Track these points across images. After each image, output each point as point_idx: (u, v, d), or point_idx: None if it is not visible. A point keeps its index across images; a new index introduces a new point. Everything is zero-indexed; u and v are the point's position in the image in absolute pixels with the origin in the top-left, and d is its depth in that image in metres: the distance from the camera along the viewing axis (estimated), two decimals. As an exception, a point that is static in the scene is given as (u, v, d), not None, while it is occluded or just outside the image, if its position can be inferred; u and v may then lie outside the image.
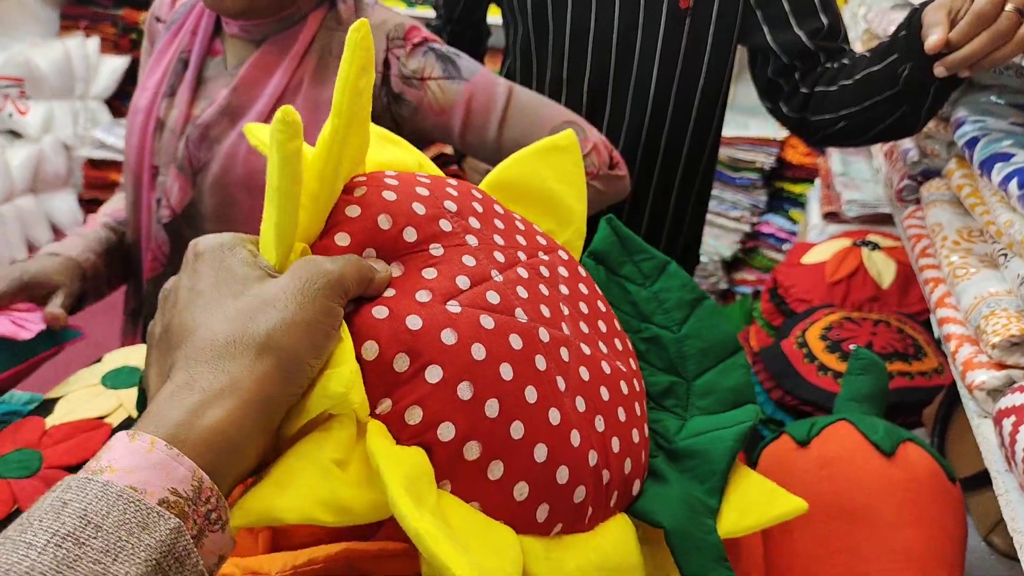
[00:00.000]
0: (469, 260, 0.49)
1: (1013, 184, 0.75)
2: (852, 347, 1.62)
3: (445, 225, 0.50)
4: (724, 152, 2.82)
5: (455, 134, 1.02)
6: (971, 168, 0.95)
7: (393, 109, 1.02)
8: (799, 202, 2.87)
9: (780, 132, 2.80)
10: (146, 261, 1.03)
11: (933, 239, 0.94)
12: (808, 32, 1.15)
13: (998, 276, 0.80)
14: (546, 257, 0.55)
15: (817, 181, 2.64)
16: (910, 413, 1.52)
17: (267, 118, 0.97)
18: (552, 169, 0.64)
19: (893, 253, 2.02)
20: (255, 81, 0.98)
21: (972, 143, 0.90)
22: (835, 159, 2.48)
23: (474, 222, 0.52)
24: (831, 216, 2.32)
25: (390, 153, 0.57)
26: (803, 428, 0.76)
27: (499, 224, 0.54)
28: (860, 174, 2.37)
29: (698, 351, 0.60)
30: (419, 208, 0.49)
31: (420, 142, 1.11)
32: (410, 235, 0.48)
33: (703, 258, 2.92)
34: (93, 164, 3.13)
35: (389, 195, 0.49)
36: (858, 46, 1.87)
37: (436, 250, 0.48)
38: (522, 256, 0.53)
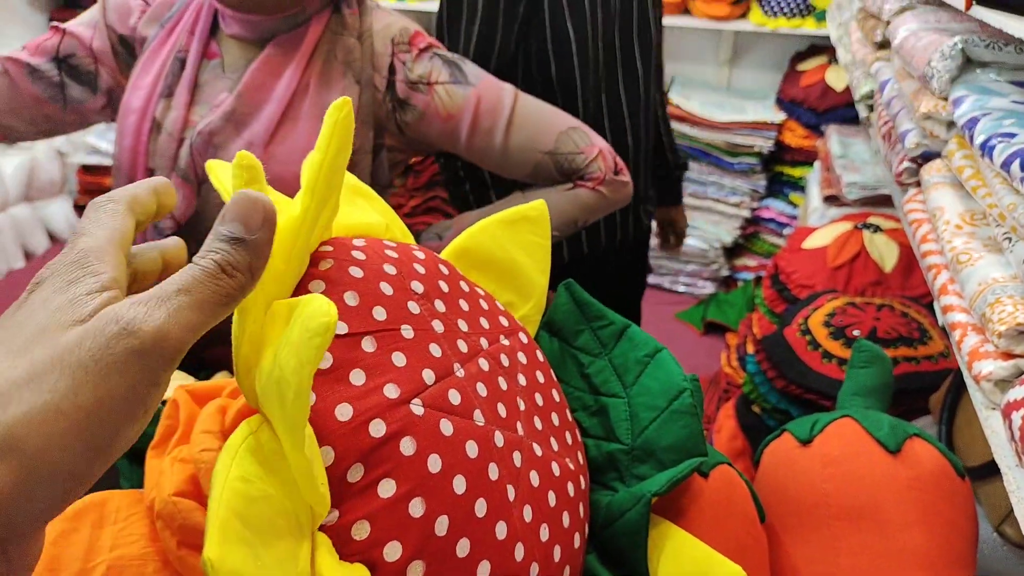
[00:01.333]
0: (435, 349, 0.48)
1: (1016, 166, 0.72)
2: (855, 333, 1.59)
3: (413, 307, 0.49)
4: (722, 137, 2.78)
5: (461, 140, 1.00)
6: (972, 149, 0.92)
7: (398, 115, 1.00)
8: (799, 185, 2.83)
9: (778, 115, 2.77)
10: None
11: (935, 223, 0.91)
12: None
13: (1002, 261, 0.77)
14: (507, 342, 0.56)
15: (816, 164, 2.60)
16: (917, 399, 1.49)
17: (277, 124, 0.95)
18: (518, 240, 0.66)
19: (895, 235, 1.99)
20: (261, 85, 0.96)
21: (972, 123, 0.87)
22: (834, 141, 2.44)
23: (440, 305, 0.52)
24: (832, 199, 2.29)
25: (358, 213, 0.56)
26: (805, 425, 0.74)
27: (463, 305, 0.54)
28: (859, 156, 2.34)
29: (642, 407, 0.59)
30: (387, 288, 0.48)
31: (424, 149, 1.08)
32: (379, 314, 0.47)
33: (703, 245, 2.89)
34: (87, 170, 3.11)
35: (356, 272, 0.48)
36: (852, 25, 1.83)
37: (407, 331, 0.47)
38: (484, 343, 0.53)
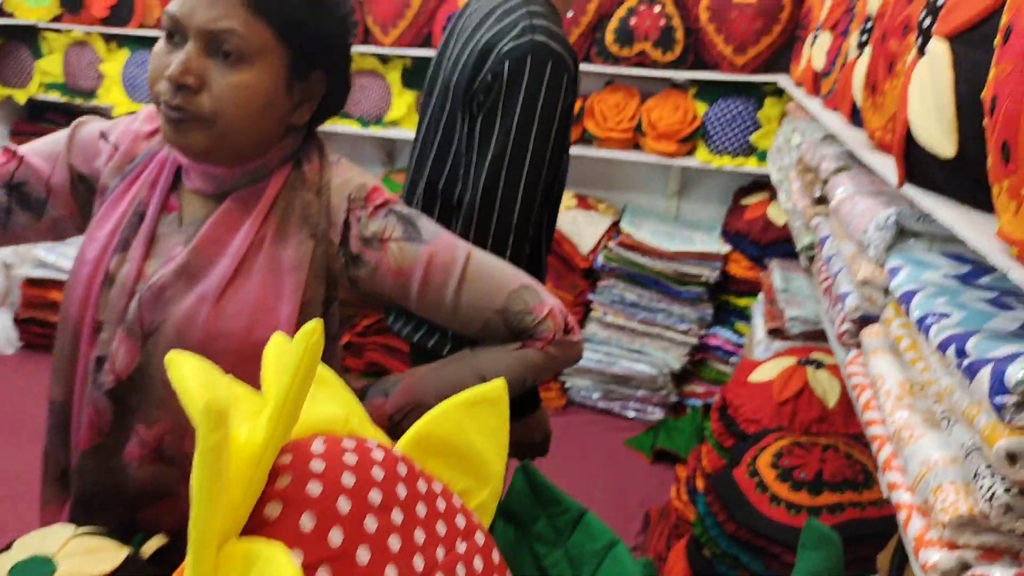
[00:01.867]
0: (391, 572, 0.47)
1: (951, 351, 0.74)
2: (802, 476, 1.59)
3: (370, 524, 0.48)
4: (670, 266, 2.85)
5: (412, 295, 0.99)
6: (906, 316, 0.94)
7: (351, 270, 0.99)
8: (745, 315, 2.89)
9: (723, 247, 2.85)
10: (81, 428, 0.95)
11: (876, 391, 0.92)
12: None
13: (943, 439, 0.77)
14: (463, 547, 0.55)
15: (760, 295, 2.67)
16: (865, 547, 1.48)
17: (229, 279, 0.93)
18: (477, 423, 0.65)
19: (837, 372, 2.03)
20: (217, 239, 0.94)
21: (908, 296, 0.90)
22: (776, 275, 2.52)
23: (397, 515, 0.51)
24: (776, 332, 2.33)
25: (318, 407, 0.55)
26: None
27: (421, 511, 0.54)
28: (800, 290, 2.41)
29: None
30: (344, 505, 0.47)
31: (377, 303, 1.06)
32: (336, 538, 0.46)
33: (653, 370, 2.90)
34: (32, 283, 3.03)
35: (314, 488, 0.47)
36: (792, 173, 1.92)
37: (363, 555, 0.46)
38: (440, 554, 0.53)
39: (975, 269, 0.95)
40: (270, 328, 0.95)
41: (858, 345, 1.08)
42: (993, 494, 0.62)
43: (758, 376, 2.10)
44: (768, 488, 1.59)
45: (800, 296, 2.36)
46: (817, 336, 2.23)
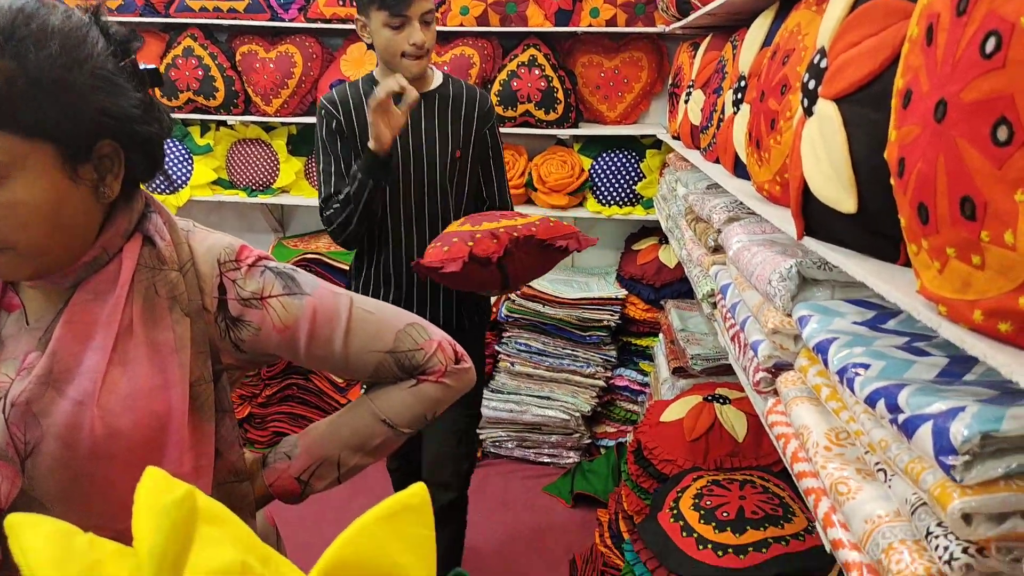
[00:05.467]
0: None
1: (881, 406, 0.71)
2: (725, 515, 1.56)
3: None
4: (572, 313, 2.83)
5: (300, 349, 0.93)
6: (821, 364, 0.92)
7: (232, 334, 0.91)
8: (646, 354, 2.90)
9: (620, 291, 2.86)
10: None
11: (804, 443, 0.89)
12: (500, 187, 2.00)
13: (882, 492, 0.75)
14: None
15: (660, 336, 2.68)
16: (793, 581, 1.45)
17: (105, 374, 0.82)
18: (399, 538, 0.56)
19: (742, 405, 2.03)
20: (76, 336, 0.82)
21: (823, 348, 0.88)
22: (673, 316, 2.54)
23: None
24: (679, 371, 2.33)
25: (206, 554, 0.45)
26: None
27: None
28: (698, 328, 2.43)
29: None
30: None
31: (263, 362, 0.98)
32: None
33: (564, 415, 2.85)
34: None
35: None
36: (682, 222, 1.94)
37: None
38: None
39: (880, 314, 0.95)
40: (163, 418, 0.84)
41: (775, 393, 1.06)
42: (951, 555, 0.59)
43: (669, 416, 2.09)
44: (694, 530, 1.55)
45: (698, 334, 2.38)
46: (720, 371, 2.24)
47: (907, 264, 0.79)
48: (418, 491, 0.59)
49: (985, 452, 0.58)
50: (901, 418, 0.67)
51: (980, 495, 0.58)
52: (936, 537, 0.62)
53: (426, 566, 0.58)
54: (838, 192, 0.82)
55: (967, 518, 0.58)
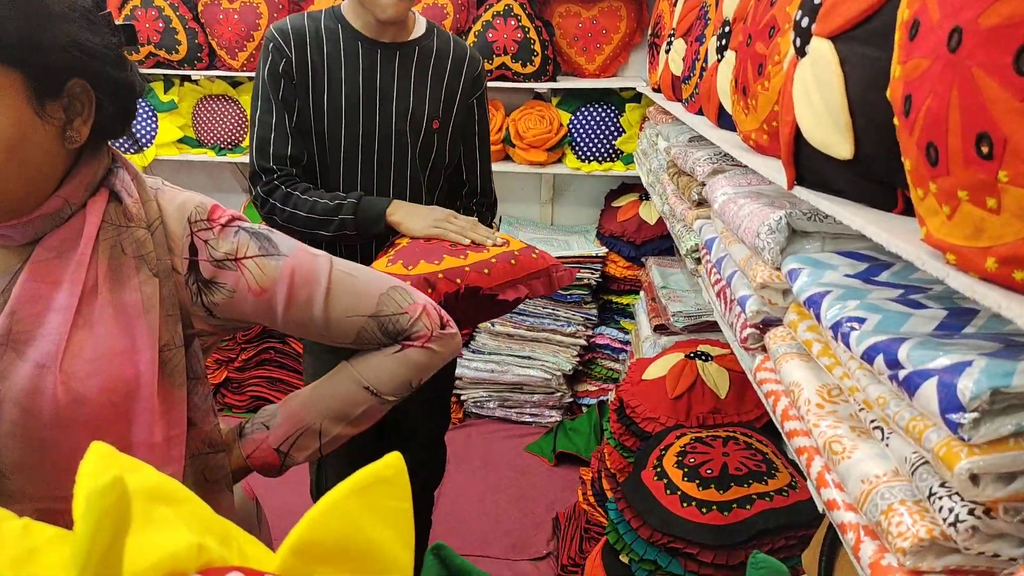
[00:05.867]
0: None
1: (880, 362, 0.67)
2: (708, 472, 1.54)
3: None
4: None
5: (278, 313, 0.88)
6: (813, 319, 0.89)
7: (205, 297, 0.86)
8: (628, 312, 2.87)
9: (600, 249, 2.82)
10: None
11: (794, 400, 0.86)
12: (483, 179, 1.66)
13: (879, 451, 0.71)
14: None
15: (641, 293, 2.65)
16: (776, 537, 1.44)
17: (68, 337, 0.77)
18: (373, 513, 0.51)
19: (725, 362, 2.01)
20: (36, 296, 0.77)
21: (815, 302, 0.84)
22: (654, 273, 2.50)
23: None
24: (661, 328, 2.31)
25: (157, 537, 0.40)
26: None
27: None
28: (679, 285, 2.39)
29: None
30: None
31: (237, 328, 0.94)
32: None
33: (545, 375, 2.83)
34: None
35: None
36: (663, 176, 1.88)
37: None
38: None
39: (873, 266, 0.91)
40: (130, 384, 0.79)
41: (763, 349, 1.02)
42: (957, 517, 0.56)
43: (651, 374, 2.06)
44: (677, 488, 1.53)
45: (680, 291, 2.34)
46: (701, 328, 2.22)
47: (905, 212, 0.75)
48: (393, 462, 0.55)
49: (994, 409, 0.55)
50: (902, 374, 0.63)
51: (989, 454, 0.54)
52: (940, 498, 0.58)
53: (403, 540, 0.54)
54: (833, 137, 0.78)
55: (974, 478, 0.55)
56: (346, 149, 1.46)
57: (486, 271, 1.28)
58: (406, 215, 1.38)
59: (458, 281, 1.25)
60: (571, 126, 2.80)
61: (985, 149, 0.49)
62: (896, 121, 0.62)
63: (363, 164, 1.48)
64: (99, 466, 0.45)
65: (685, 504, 1.50)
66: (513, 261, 1.32)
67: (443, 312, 0.98)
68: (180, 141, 2.93)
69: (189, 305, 0.85)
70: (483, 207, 1.68)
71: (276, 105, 1.41)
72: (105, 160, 0.84)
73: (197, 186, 3.43)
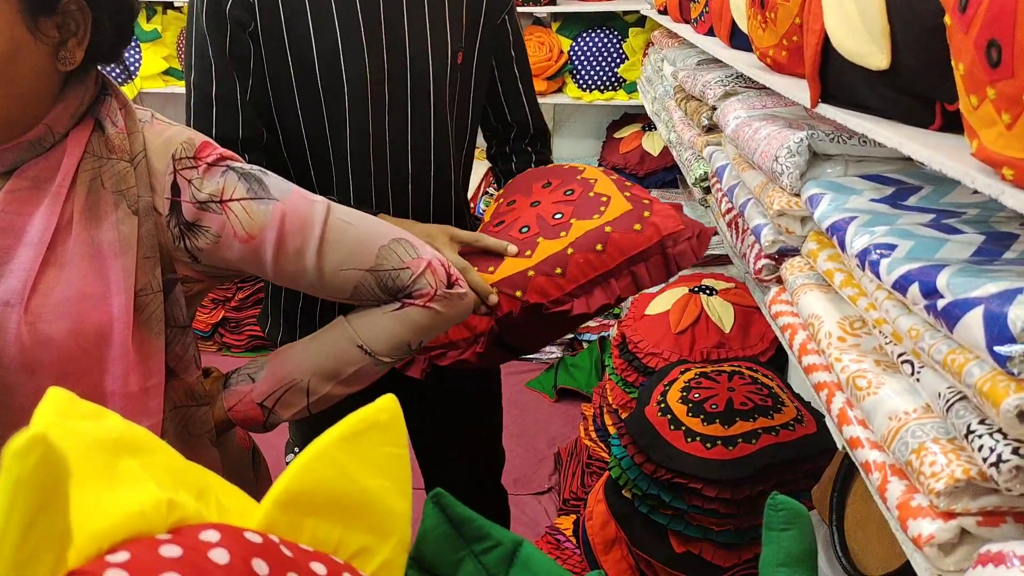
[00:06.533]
0: None
1: (915, 290, 0.62)
2: (714, 407, 1.51)
3: None
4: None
5: (267, 262, 0.82)
6: (835, 247, 0.83)
7: (188, 241, 0.80)
8: (628, 246, 2.82)
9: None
10: None
11: (814, 334, 0.81)
12: (532, 112, 1.32)
13: (908, 386, 0.67)
14: None
15: (643, 226, 2.59)
16: (783, 472, 1.42)
17: (37, 275, 0.73)
18: (367, 459, 0.47)
19: (729, 296, 1.97)
20: (7, 228, 0.73)
21: (840, 228, 0.78)
22: (658, 205, 2.43)
23: None
24: (664, 262, 2.25)
25: (119, 494, 0.35)
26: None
27: None
28: (683, 218, 2.33)
29: None
30: None
31: (226, 276, 0.88)
32: None
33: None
34: None
35: None
36: (669, 103, 1.80)
37: None
38: None
39: (900, 190, 0.85)
40: (103, 328, 0.75)
41: (778, 281, 0.97)
42: (999, 456, 0.51)
43: (654, 309, 2.02)
44: (682, 424, 1.51)
45: (683, 224, 2.28)
46: (706, 262, 2.16)
47: (944, 128, 0.69)
48: (387, 405, 0.50)
49: (1048, 340, 0.50)
50: (941, 303, 0.58)
51: (1040, 389, 0.49)
52: (979, 436, 0.54)
53: (399, 489, 0.50)
54: (867, 45, 0.70)
55: (1022, 416, 0.50)
56: (351, 112, 1.08)
57: (559, 271, 0.98)
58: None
59: (519, 295, 0.98)
60: (572, 53, 2.69)
61: (1063, 43, 0.42)
62: (947, 19, 0.55)
63: (373, 117, 1.10)
64: (55, 415, 0.40)
65: (689, 439, 1.47)
66: (600, 246, 0.98)
67: (453, 269, 0.89)
68: (165, 73, 2.82)
69: (171, 248, 0.80)
70: (538, 146, 1.34)
71: (219, 66, 1.03)
72: (93, 88, 0.78)
73: (184, 120, 3.33)
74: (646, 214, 1.02)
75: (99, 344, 0.74)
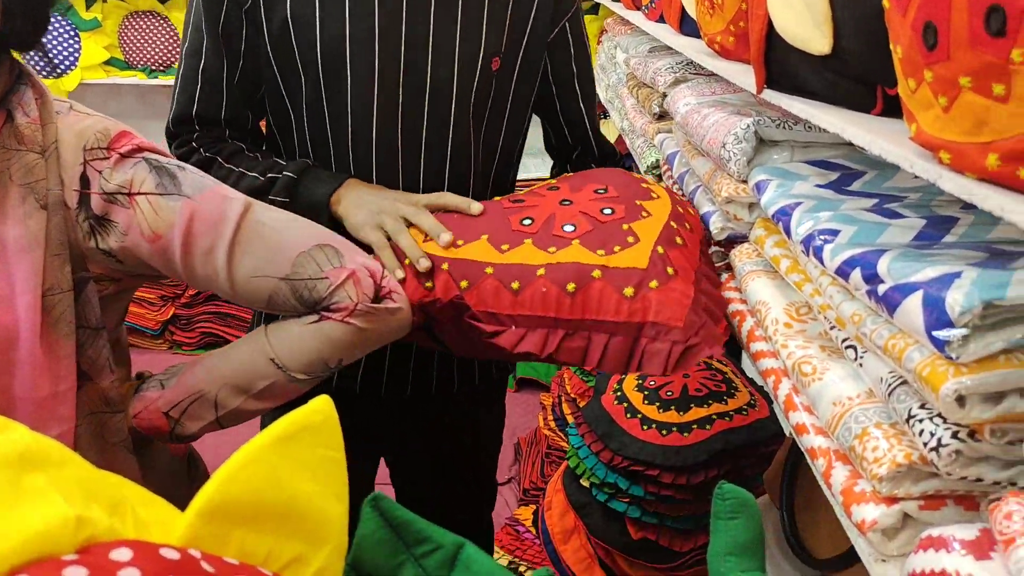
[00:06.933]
0: None
1: (856, 275, 0.62)
2: (669, 394, 1.51)
3: None
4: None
5: (176, 264, 0.77)
6: (781, 233, 0.83)
7: (98, 237, 0.76)
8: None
9: (558, 171, 2.73)
10: None
11: (761, 320, 0.81)
12: (589, 115, 1.18)
13: (851, 371, 0.67)
14: None
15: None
16: (739, 456, 1.43)
17: None
18: (299, 464, 0.45)
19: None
20: None
21: (785, 214, 0.78)
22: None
23: None
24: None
25: (28, 516, 0.33)
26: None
27: None
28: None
29: None
30: None
31: (146, 275, 0.83)
32: None
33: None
34: None
35: None
36: (622, 91, 1.79)
37: None
38: None
39: (844, 175, 0.85)
40: (8, 329, 0.70)
41: (727, 268, 0.97)
42: (939, 441, 0.51)
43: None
44: (638, 411, 1.51)
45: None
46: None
47: (884, 113, 0.69)
48: (321, 406, 0.48)
49: (985, 324, 0.50)
50: (882, 288, 0.58)
51: (978, 373, 0.49)
52: (920, 421, 0.54)
53: (334, 493, 0.48)
54: (809, 30, 0.70)
55: (961, 400, 0.50)
56: (355, 111, 0.97)
57: (515, 286, 0.83)
58: (353, 204, 0.94)
59: (463, 285, 0.86)
60: (526, 41, 2.67)
61: (996, 24, 0.41)
62: (886, 2, 0.54)
63: (379, 138, 0.99)
64: None
65: (645, 427, 1.47)
66: (572, 287, 0.80)
67: (391, 281, 0.81)
68: (107, 63, 2.72)
69: (82, 245, 0.75)
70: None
71: (210, 42, 0.97)
72: (6, 77, 0.74)
73: (129, 112, 3.22)
74: (652, 284, 0.80)
75: (5, 347, 0.70)
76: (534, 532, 1.84)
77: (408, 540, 0.50)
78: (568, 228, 0.87)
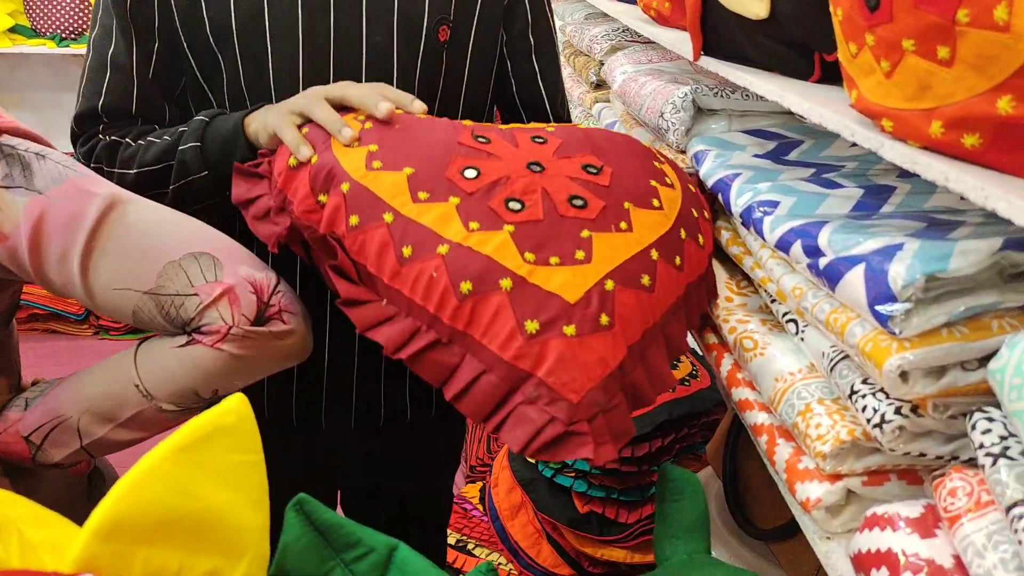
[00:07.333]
0: None
1: (797, 248, 0.60)
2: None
3: None
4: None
5: (28, 268, 0.66)
6: (729, 213, 0.81)
7: None
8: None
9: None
10: None
11: (702, 294, 0.79)
12: (550, 95, 0.98)
13: (793, 346, 0.65)
14: None
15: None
16: (682, 427, 1.44)
17: None
18: (209, 473, 0.41)
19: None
20: None
21: (724, 186, 0.76)
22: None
23: None
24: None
25: None
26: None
27: None
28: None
29: None
30: None
31: (18, 278, 0.70)
32: None
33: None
34: None
35: None
36: (561, 60, 1.75)
37: None
38: None
39: (782, 144, 0.84)
40: None
41: (667, 240, 0.95)
42: (883, 417, 0.50)
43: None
44: (581, 386, 1.50)
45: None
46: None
47: (822, 81, 0.67)
48: (235, 406, 0.44)
49: (928, 297, 0.48)
50: (823, 262, 0.56)
51: (921, 348, 0.48)
52: (863, 396, 0.53)
53: (252, 500, 0.44)
54: (746, -7, 0.67)
55: (904, 375, 0.49)
56: (279, 92, 0.84)
57: (405, 251, 0.63)
58: (262, 112, 0.78)
59: (353, 222, 0.66)
60: (460, 9, 2.59)
61: (940, -17, 0.39)
62: (824, -37, 0.52)
63: None
64: None
65: (589, 401, 1.46)
66: (467, 286, 0.61)
67: (280, 297, 0.67)
68: (12, 31, 2.54)
69: None
70: None
71: (120, 27, 0.85)
72: None
73: (39, 84, 3.02)
74: (568, 329, 0.60)
75: None
76: (481, 509, 1.83)
77: (337, 544, 0.46)
78: (513, 205, 0.65)
